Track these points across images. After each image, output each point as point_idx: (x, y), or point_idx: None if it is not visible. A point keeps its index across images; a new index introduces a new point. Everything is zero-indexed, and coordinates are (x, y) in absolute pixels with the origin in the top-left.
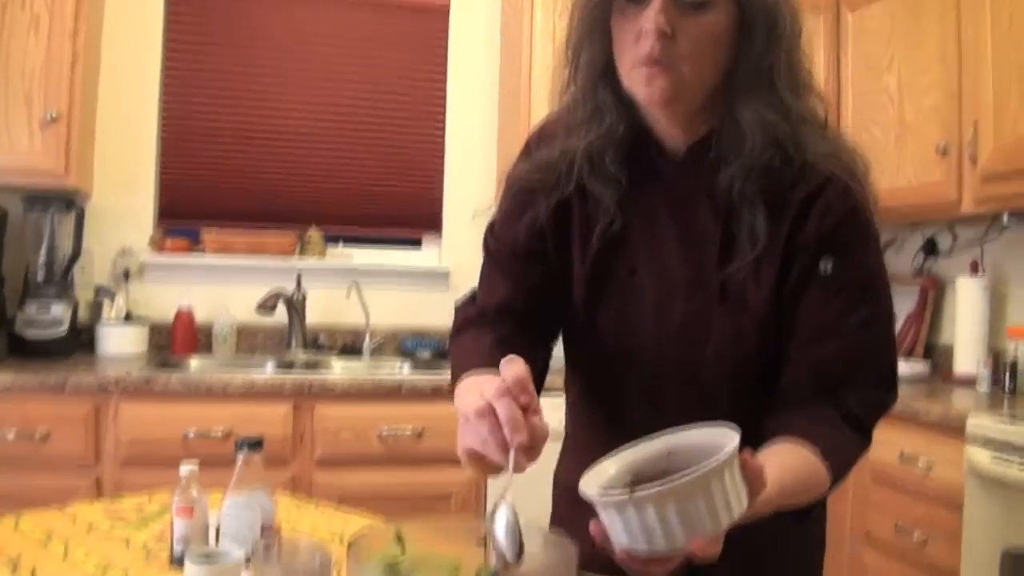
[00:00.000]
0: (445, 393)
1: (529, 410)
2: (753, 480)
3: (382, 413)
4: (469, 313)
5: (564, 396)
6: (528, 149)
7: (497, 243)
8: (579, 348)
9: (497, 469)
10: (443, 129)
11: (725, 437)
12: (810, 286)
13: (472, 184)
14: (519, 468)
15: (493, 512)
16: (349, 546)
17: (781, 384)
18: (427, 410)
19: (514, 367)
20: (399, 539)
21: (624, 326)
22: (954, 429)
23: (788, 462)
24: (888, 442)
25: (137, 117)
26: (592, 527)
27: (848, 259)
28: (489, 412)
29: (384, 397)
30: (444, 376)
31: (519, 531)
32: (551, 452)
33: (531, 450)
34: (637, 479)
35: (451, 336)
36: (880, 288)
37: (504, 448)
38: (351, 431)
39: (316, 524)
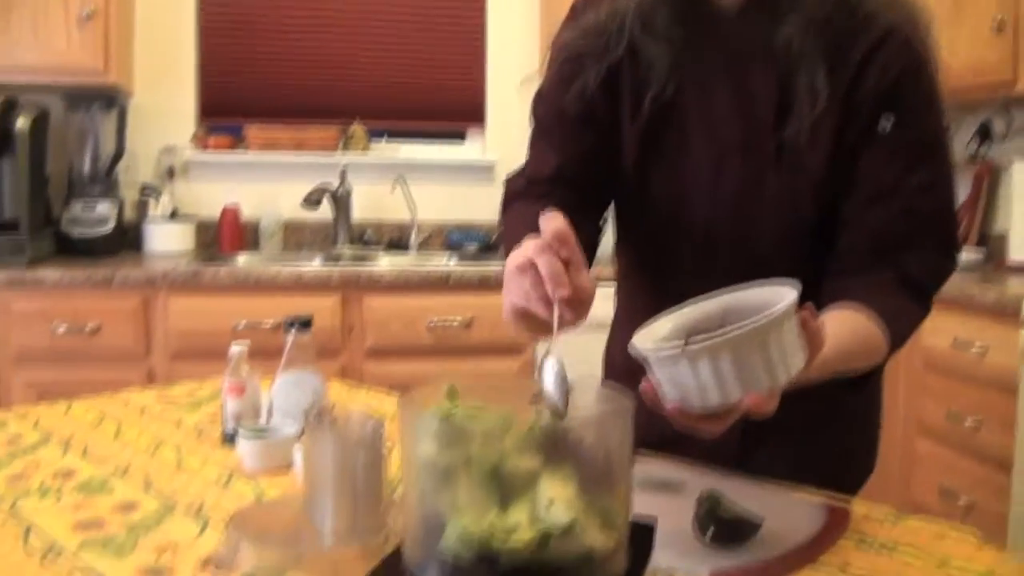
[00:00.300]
0: (493, 284)
1: (571, 265)
2: (811, 338)
3: (430, 304)
4: (518, 185)
5: (615, 281)
6: (574, 13)
7: (545, 111)
8: (629, 219)
9: (543, 328)
10: (483, 10)
11: (783, 294)
12: (869, 145)
13: (515, 59)
14: (564, 323)
15: (541, 363)
16: (401, 400)
17: (838, 249)
18: (475, 300)
19: (553, 222)
20: (452, 394)
21: (676, 192)
22: (1009, 313)
23: (846, 326)
24: (941, 329)
25: (175, 11)
26: (643, 385)
27: (909, 116)
28: (530, 267)
29: (432, 288)
30: (492, 267)
31: (567, 381)
32: (601, 339)
33: (577, 306)
34: (692, 336)
35: (501, 211)
36: (942, 148)
37: (547, 302)
38: (400, 321)
39: (368, 406)
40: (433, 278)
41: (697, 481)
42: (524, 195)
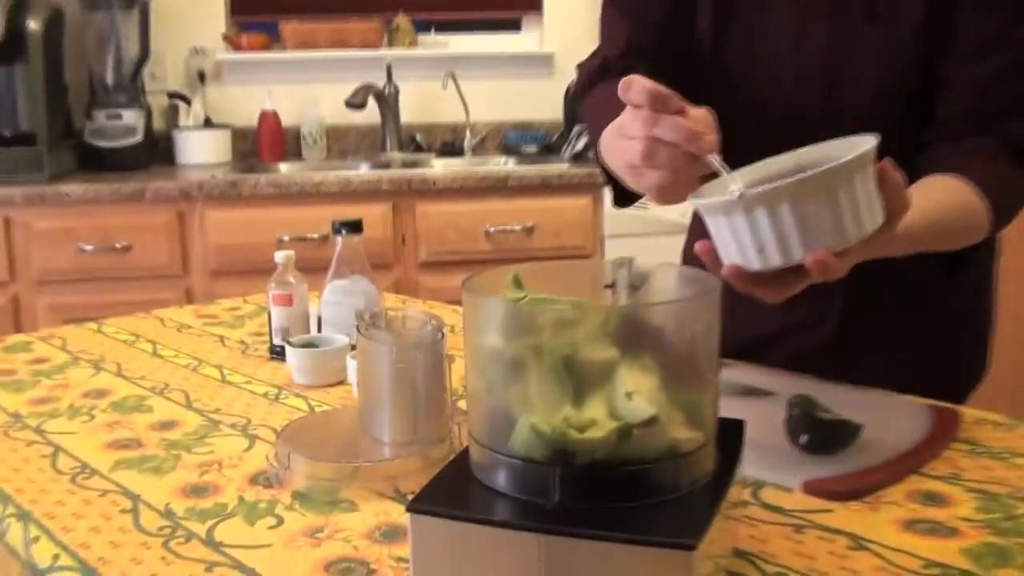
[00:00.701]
0: (556, 186)
1: (686, 112)
2: (892, 194)
3: (489, 209)
4: (592, 67)
5: None
6: None
7: None
8: (704, 96)
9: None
10: None
11: (861, 143)
12: None
13: None
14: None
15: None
16: (464, 286)
17: (937, 115)
18: (537, 204)
19: (636, 83)
20: (517, 282)
21: (756, 61)
22: None
23: (938, 195)
24: None
25: None
26: (698, 246)
27: None
28: (656, 146)
29: (490, 193)
30: (553, 168)
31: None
32: (676, 244)
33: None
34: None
35: (578, 99)
36: None
37: (688, 164)
38: (456, 229)
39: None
40: (491, 181)
41: (787, 386)
42: (601, 75)
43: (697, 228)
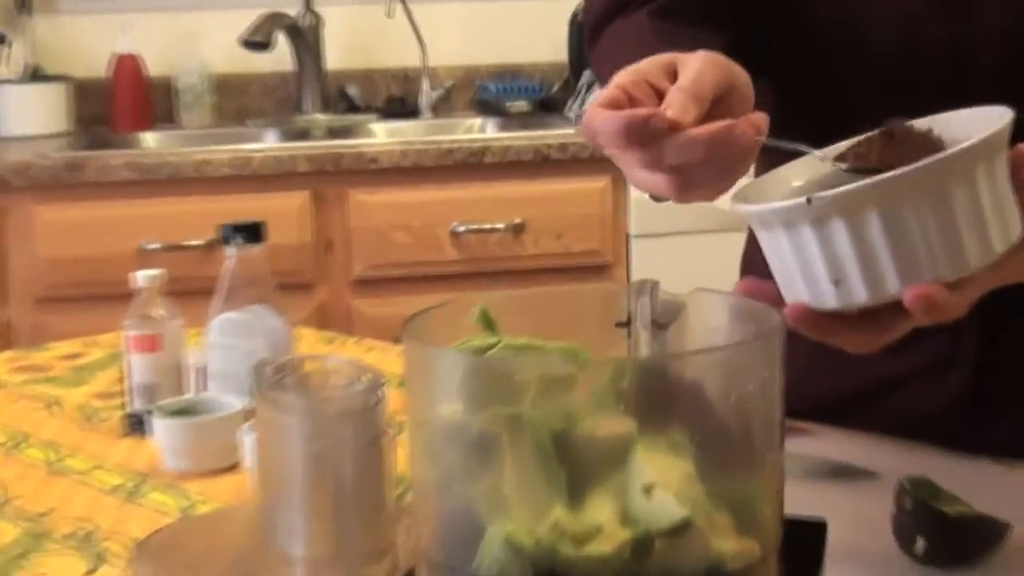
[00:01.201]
0: (557, 161)
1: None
2: None
3: (457, 198)
4: None
5: None
6: None
7: None
8: (776, 42)
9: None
10: None
11: (987, 121)
12: None
13: None
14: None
15: None
16: (406, 331)
17: None
18: (530, 190)
19: (596, 121)
20: (486, 320)
21: None
22: None
23: None
24: None
25: None
26: (742, 287)
27: None
28: (686, 175)
29: (458, 173)
30: (554, 136)
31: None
32: (734, 246)
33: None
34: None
35: (588, 43)
36: None
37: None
38: (408, 230)
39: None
40: (459, 156)
41: (895, 463)
42: (620, 10)
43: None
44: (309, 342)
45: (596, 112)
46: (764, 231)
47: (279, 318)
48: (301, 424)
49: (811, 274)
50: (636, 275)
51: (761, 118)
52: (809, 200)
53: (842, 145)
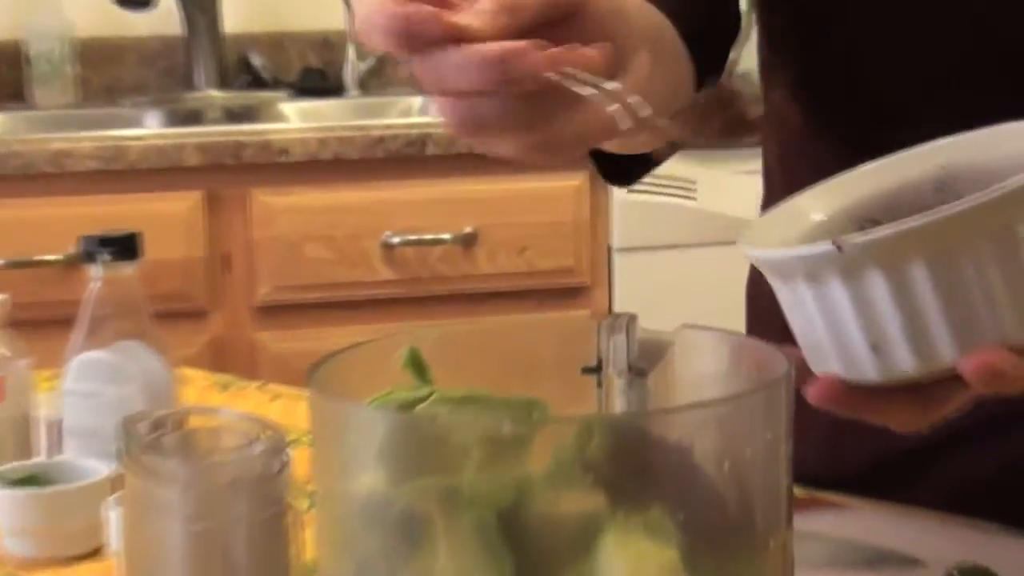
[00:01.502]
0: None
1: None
2: None
3: (391, 200)
4: None
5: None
6: None
7: None
8: (795, 29)
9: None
10: None
11: None
12: None
13: None
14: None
15: None
16: (312, 376)
17: None
18: (482, 192)
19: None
20: (416, 365)
21: None
22: None
23: None
24: None
25: None
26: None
27: None
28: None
29: (393, 170)
30: None
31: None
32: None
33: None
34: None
35: None
36: None
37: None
38: (327, 242)
39: (259, 416)
40: (395, 147)
41: (946, 546)
42: None
43: None
44: (197, 388)
45: (380, 3)
46: (781, 283)
47: (158, 357)
48: (183, 497)
49: (843, 338)
50: (621, 299)
51: (597, 54)
52: (839, 246)
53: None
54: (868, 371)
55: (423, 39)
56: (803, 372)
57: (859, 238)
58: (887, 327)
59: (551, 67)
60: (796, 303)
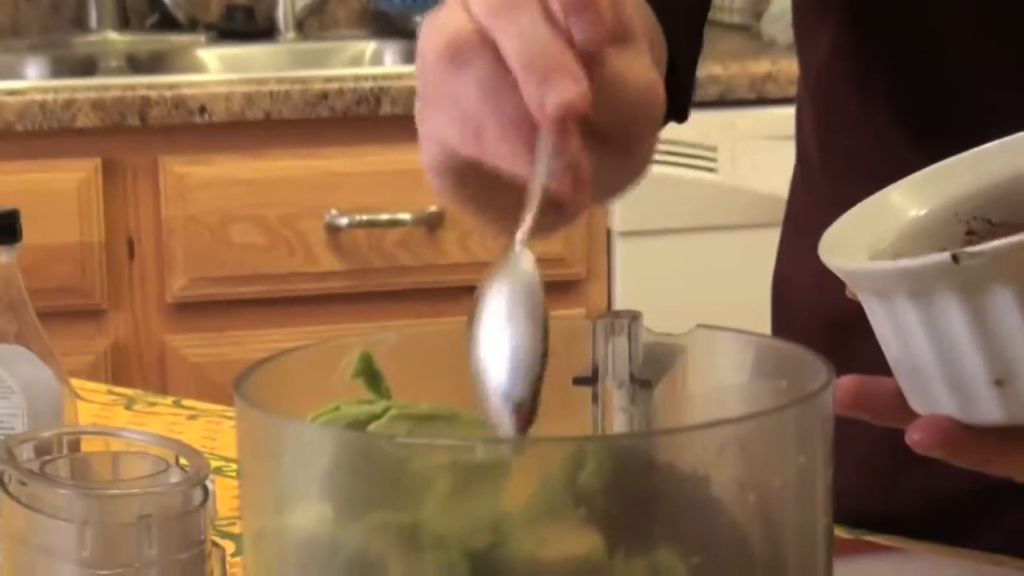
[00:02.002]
0: None
1: (600, 54)
2: None
3: (336, 174)
4: None
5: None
6: None
7: None
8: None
9: (506, 194)
10: None
11: None
12: None
13: None
14: (568, 190)
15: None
16: (238, 386)
17: None
18: None
19: None
20: (369, 371)
21: None
22: None
23: None
24: None
25: None
26: (844, 388)
27: None
28: (480, 45)
29: (339, 133)
30: None
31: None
32: (762, 261)
33: (609, 157)
34: (969, 235)
35: None
36: None
37: (523, 131)
38: (257, 223)
39: (171, 436)
40: (340, 106)
41: None
42: None
43: (808, 231)
44: (95, 405)
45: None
46: (876, 299)
47: (44, 366)
48: (79, 537)
49: (958, 369)
50: (621, 295)
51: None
52: (956, 258)
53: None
54: (990, 410)
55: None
56: (900, 410)
57: (983, 248)
58: (1016, 356)
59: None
60: (895, 326)
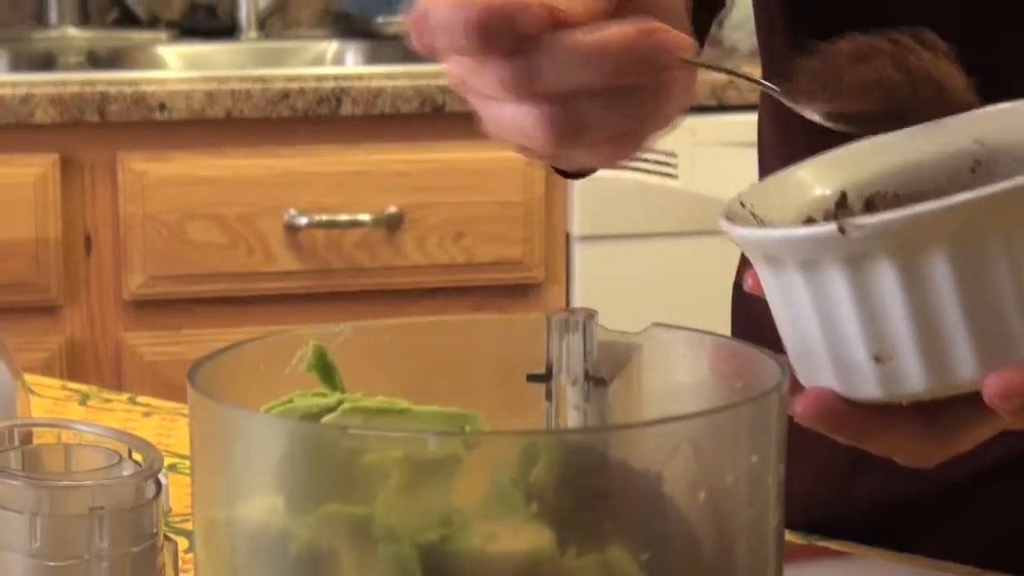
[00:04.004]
0: (453, 118)
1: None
2: None
3: (296, 174)
4: None
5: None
6: None
7: None
8: None
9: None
10: None
11: None
12: None
13: None
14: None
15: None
16: (191, 375)
17: None
18: (411, 163)
19: (432, 14)
20: (323, 365)
21: None
22: None
23: None
24: None
25: None
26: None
27: None
28: (566, 113)
29: (299, 132)
30: (446, 69)
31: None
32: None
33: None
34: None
35: None
36: None
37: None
38: (215, 222)
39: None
40: (301, 106)
41: None
42: None
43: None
44: (48, 400)
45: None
46: (769, 269)
47: None
48: (29, 528)
49: (841, 343)
50: (580, 299)
51: (686, 37)
52: (842, 228)
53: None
54: (868, 385)
55: (517, 32)
56: (791, 384)
57: (869, 219)
58: (895, 332)
59: (682, 48)
60: (785, 296)
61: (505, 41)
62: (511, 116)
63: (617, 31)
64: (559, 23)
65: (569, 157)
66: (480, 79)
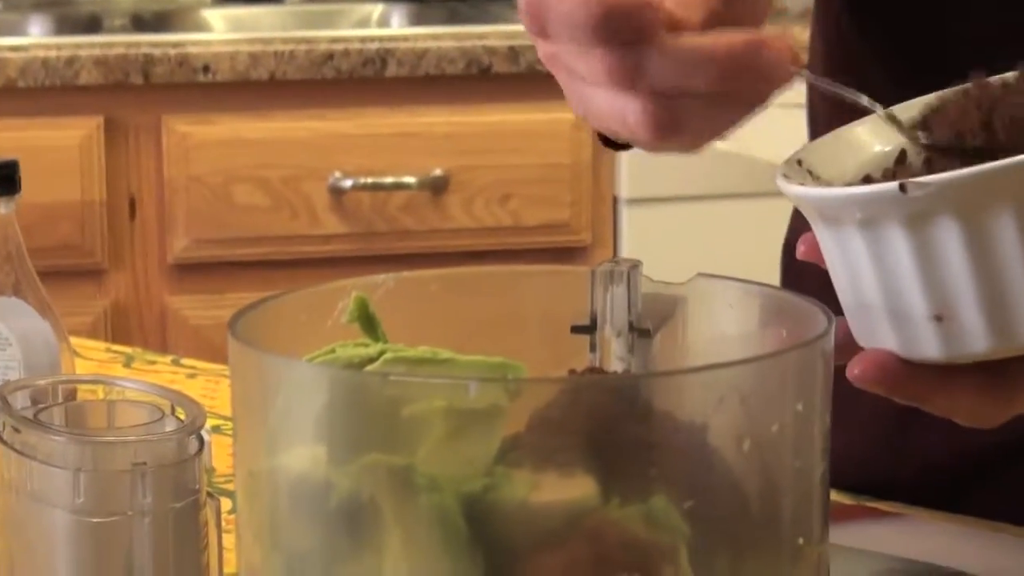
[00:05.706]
0: (500, 80)
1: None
2: None
3: (340, 136)
4: None
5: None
6: None
7: None
8: None
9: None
10: None
11: None
12: None
13: None
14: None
15: None
16: (232, 325)
17: None
18: (456, 125)
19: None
20: (364, 317)
21: None
22: None
23: None
24: None
25: None
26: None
27: None
28: (669, 108)
29: (344, 95)
30: (495, 33)
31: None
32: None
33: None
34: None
35: None
36: None
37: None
38: (259, 185)
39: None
40: (345, 68)
41: (1012, 566)
42: None
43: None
44: (94, 363)
45: None
46: (827, 229)
47: (42, 319)
48: (73, 484)
49: (901, 303)
50: None
51: (796, 52)
52: (903, 187)
53: (918, 102)
54: (928, 346)
55: (634, 29)
56: (847, 344)
57: (931, 179)
58: (956, 292)
59: (792, 61)
60: (843, 255)
61: (623, 37)
62: (608, 103)
63: (728, 40)
64: (675, 27)
65: (657, 147)
66: (583, 63)
